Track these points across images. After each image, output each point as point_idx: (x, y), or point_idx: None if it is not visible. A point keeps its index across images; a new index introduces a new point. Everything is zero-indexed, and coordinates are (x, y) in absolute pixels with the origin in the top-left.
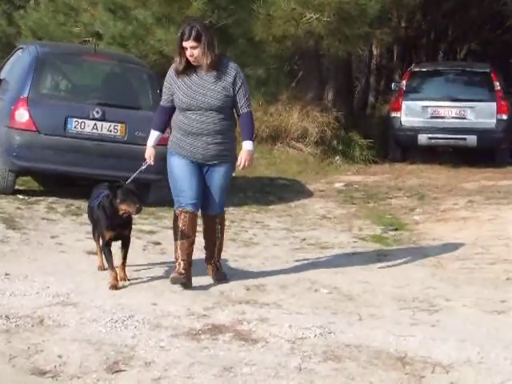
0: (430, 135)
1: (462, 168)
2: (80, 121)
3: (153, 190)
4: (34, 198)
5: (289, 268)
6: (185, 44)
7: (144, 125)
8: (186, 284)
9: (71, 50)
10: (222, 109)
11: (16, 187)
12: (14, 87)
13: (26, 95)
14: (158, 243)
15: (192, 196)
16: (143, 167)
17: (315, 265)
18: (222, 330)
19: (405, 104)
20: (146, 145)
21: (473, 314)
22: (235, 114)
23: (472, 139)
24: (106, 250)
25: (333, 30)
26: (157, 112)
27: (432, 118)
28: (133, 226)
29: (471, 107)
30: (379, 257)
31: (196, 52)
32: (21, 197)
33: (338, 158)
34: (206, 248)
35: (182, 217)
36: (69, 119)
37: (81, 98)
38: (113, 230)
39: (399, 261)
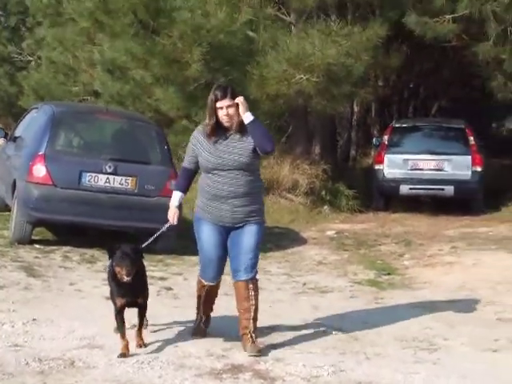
0: (410, 186)
1: (441, 216)
2: (94, 175)
3: (160, 239)
4: (50, 248)
5: (295, 311)
6: (220, 104)
7: (153, 178)
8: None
9: (84, 109)
10: (250, 167)
11: (32, 237)
12: (31, 144)
13: (43, 151)
14: (171, 288)
15: (214, 276)
16: (165, 227)
17: (319, 308)
18: (242, 369)
19: (387, 157)
20: (154, 196)
21: (470, 352)
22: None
23: (449, 189)
24: (117, 317)
25: (321, 90)
26: (180, 173)
27: (412, 169)
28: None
29: (448, 160)
30: (376, 300)
31: (232, 111)
32: (37, 246)
33: (326, 207)
34: (240, 319)
35: (207, 288)
36: (83, 173)
37: (94, 154)
38: (122, 296)
39: (396, 303)
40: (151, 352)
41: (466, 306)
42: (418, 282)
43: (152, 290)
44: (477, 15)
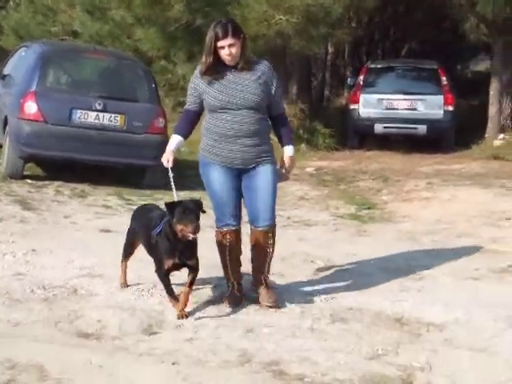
0: (385, 125)
1: (414, 154)
2: (84, 112)
3: (148, 175)
4: (42, 183)
5: (283, 243)
6: (221, 43)
7: (141, 116)
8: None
9: (73, 48)
10: (260, 106)
11: (24, 173)
12: (21, 82)
13: (34, 89)
14: None
15: (234, 219)
16: (171, 175)
17: (305, 240)
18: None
19: (362, 97)
20: (142, 133)
21: (452, 281)
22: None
23: (422, 128)
24: (165, 280)
25: (300, 31)
26: (181, 116)
27: (387, 109)
28: (133, 205)
29: (421, 100)
30: (360, 232)
31: (234, 50)
32: (29, 181)
33: (303, 145)
34: (255, 268)
35: (228, 237)
36: (73, 110)
37: (84, 92)
38: (174, 257)
39: (378, 236)
40: (149, 281)
41: (445, 238)
42: (398, 216)
43: None
44: None
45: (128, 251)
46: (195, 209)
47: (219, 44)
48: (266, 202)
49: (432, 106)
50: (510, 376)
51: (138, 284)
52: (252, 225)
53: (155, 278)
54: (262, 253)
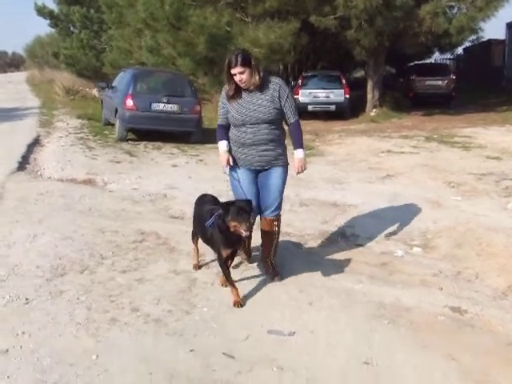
0: (313, 106)
1: (329, 121)
2: (156, 104)
3: (192, 136)
4: (137, 142)
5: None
6: (233, 71)
7: (187, 105)
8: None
9: (149, 70)
10: (272, 120)
11: (127, 138)
12: (123, 89)
13: (130, 92)
14: (202, 160)
15: (255, 203)
16: (226, 169)
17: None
18: None
19: (301, 91)
20: (188, 114)
21: (359, 184)
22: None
23: (333, 107)
24: (224, 268)
25: (265, 57)
26: (217, 130)
27: (314, 97)
28: (187, 153)
29: (332, 92)
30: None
31: (244, 76)
32: (130, 142)
33: None
34: (263, 248)
35: None
36: (152, 103)
37: (156, 93)
38: (229, 247)
39: (318, 162)
40: (205, 189)
41: (352, 163)
42: (326, 153)
43: (192, 161)
44: (347, 15)
45: (194, 236)
46: (248, 209)
47: (232, 71)
48: (275, 197)
49: (338, 95)
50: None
51: (199, 190)
52: (262, 215)
53: (208, 189)
54: (270, 237)
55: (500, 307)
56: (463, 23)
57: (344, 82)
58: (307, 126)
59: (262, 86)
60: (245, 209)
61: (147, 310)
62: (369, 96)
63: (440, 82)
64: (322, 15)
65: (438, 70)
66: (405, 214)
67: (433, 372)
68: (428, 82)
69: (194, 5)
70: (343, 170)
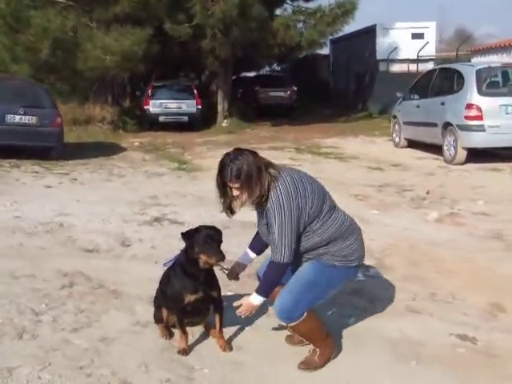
0: (165, 117)
1: (184, 133)
2: (11, 115)
3: (53, 152)
4: None
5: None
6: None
7: (47, 117)
8: None
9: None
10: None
11: None
12: None
13: None
14: (76, 179)
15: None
16: (225, 267)
17: (166, 183)
18: None
19: (151, 102)
20: (48, 127)
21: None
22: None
23: (185, 118)
24: (182, 322)
25: (119, 65)
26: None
27: (165, 108)
28: (53, 171)
29: (184, 102)
30: (191, 177)
31: (237, 193)
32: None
33: (120, 130)
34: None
35: None
36: (5, 115)
37: (11, 103)
38: (195, 291)
39: (202, 178)
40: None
41: None
42: (203, 166)
43: (64, 179)
44: (203, 24)
45: (159, 310)
46: (218, 236)
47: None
48: (289, 287)
49: (190, 105)
50: None
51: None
52: None
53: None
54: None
55: (500, 330)
56: (314, 37)
57: (195, 92)
58: (166, 137)
59: (258, 205)
60: (213, 236)
61: (142, 383)
62: (219, 107)
63: (283, 94)
64: (177, 23)
65: (278, 81)
66: None
67: None
68: (272, 93)
69: (33, 5)
70: None
